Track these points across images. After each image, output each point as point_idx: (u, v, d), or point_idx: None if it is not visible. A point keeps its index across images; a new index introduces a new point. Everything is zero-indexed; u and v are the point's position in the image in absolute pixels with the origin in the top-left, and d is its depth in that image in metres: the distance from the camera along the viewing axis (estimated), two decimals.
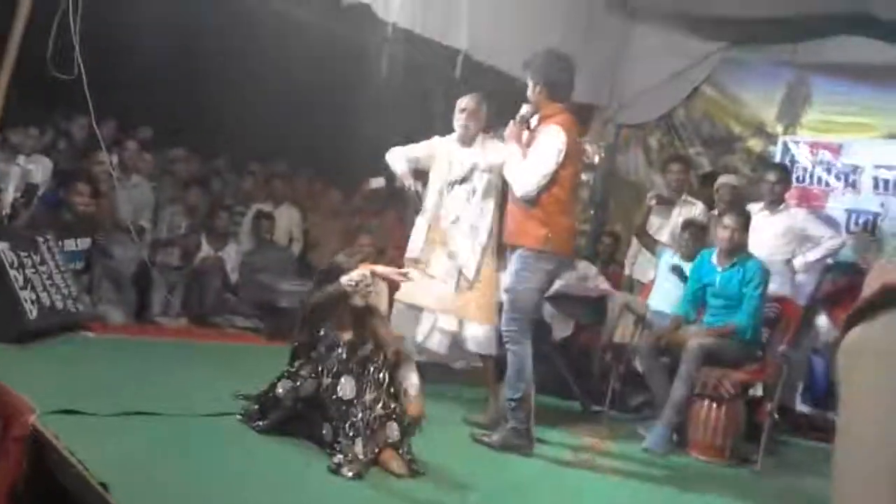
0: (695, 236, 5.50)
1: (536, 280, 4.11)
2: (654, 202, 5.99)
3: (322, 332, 3.54)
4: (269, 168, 8.19)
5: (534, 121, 4.24)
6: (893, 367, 0.44)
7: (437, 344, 4.70)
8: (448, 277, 4.67)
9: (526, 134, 4.22)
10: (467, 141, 4.80)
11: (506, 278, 4.20)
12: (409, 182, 4.77)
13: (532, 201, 4.05)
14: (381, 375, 3.46)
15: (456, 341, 4.72)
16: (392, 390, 3.47)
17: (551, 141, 4.06)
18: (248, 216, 7.31)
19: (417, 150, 4.91)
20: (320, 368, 3.41)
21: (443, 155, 4.84)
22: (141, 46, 7.05)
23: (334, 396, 3.33)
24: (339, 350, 3.42)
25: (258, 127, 8.07)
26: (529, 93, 4.23)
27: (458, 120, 4.81)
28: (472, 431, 4.20)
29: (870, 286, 0.47)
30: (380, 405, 3.41)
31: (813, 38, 6.84)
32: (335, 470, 3.14)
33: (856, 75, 6.72)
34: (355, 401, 3.33)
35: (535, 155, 4.07)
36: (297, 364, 3.52)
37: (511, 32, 6.37)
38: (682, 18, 7.35)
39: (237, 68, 7.84)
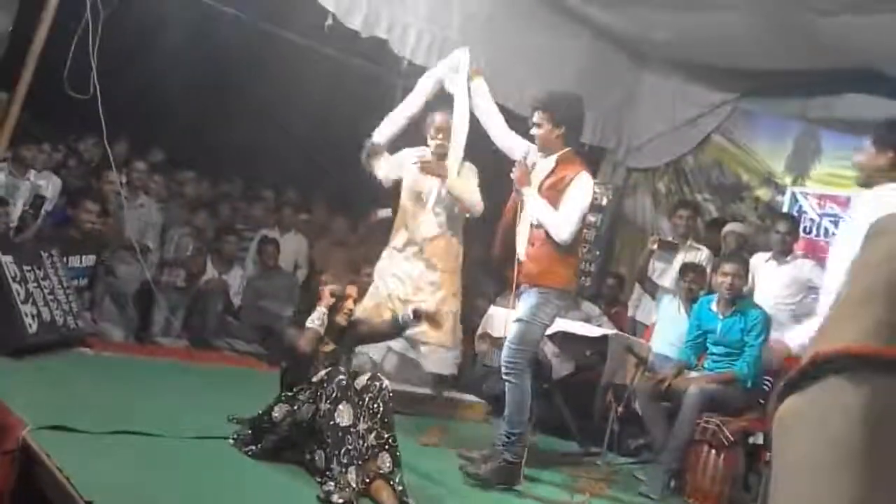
0: (694, 281, 5.49)
1: (550, 316, 4.16)
2: (655, 246, 5.98)
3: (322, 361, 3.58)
4: (281, 196, 8.23)
5: (547, 162, 4.22)
6: (821, 442, 0.43)
7: (392, 364, 4.87)
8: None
9: (539, 177, 4.22)
10: (442, 157, 4.98)
11: (520, 308, 4.16)
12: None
13: (565, 245, 4.11)
14: (376, 405, 3.43)
15: (409, 362, 4.88)
16: (386, 420, 3.45)
17: (585, 189, 4.14)
18: (254, 242, 7.33)
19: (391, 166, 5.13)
20: (319, 393, 3.39)
21: (411, 173, 5.10)
22: (158, 71, 7.13)
23: (332, 423, 3.30)
24: (342, 377, 3.40)
25: (270, 154, 8.13)
26: (541, 132, 4.20)
27: (434, 139, 4.99)
28: (462, 463, 4.14)
29: (807, 352, 0.46)
30: (373, 435, 3.38)
31: (823, 94, 6.88)
32: (325, 498, 3.10)
33: (865, 131, 6.72)
34: (351, 428, 3.30)
35: (572, 203, 4.10)
36: (295, 389, 3.50)
37: (524, 74, 6.43)
38: (695, 68, 7.41)
39: (252, 96, 7.92)
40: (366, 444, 3.34)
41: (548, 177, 4.18)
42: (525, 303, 4.15)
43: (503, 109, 6.20)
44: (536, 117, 4.22)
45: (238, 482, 3.24)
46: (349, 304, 3.80)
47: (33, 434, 3.05)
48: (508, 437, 4.04)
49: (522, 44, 6.40)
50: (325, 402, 3.35)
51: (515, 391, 4.07)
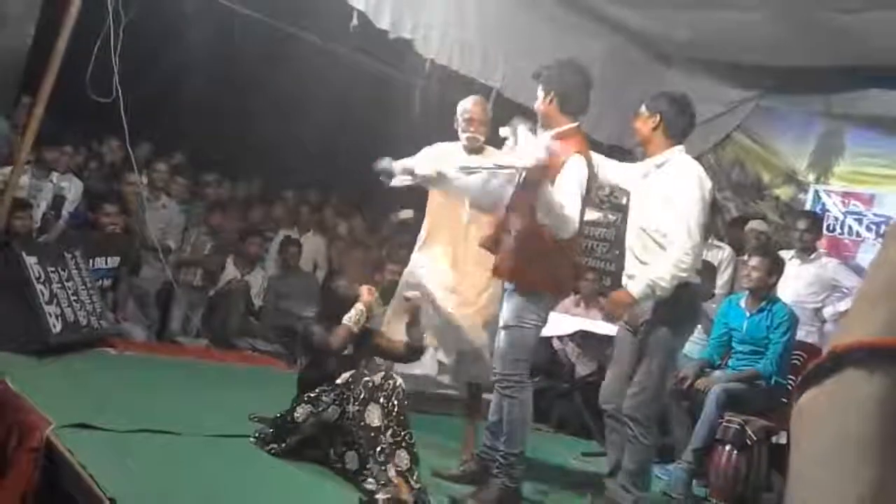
0: (706, 277, 5.44)
1: (542, 318, 3.61)
2: None
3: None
4: (302, 196, 8.27)
5: (544, 136, 3.59)
6: (838, 434, 0.43)
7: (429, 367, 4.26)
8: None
9: (538, 152, 3.46)
10: (476, 152, 4.28)
11: (505, 314, 3.63)
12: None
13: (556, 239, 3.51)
14: (391, 404, 3.44)
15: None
16: (402, 418, 3.45)
17: (574, 175, 3.51)
18: (275, 242, 7.37)
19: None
20: (345, 395, 3.40)
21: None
22: (180, 74, 7.21)
23: (362, 423, 3.31)
24: (367, 378, 3.42)
25: (290, 155, 8.17)
26: (538, 104, 3.71)
27: (465, 130, 4.27)
28: (450, 489, 3.67)
29: (827, 346, 0.46)
30: (389, 432, 3.39)
31: (847, 91, 6.81)
32: (368, 499, 3.12)
33: (888, 128, 6.67)
34: (382, 428, 3.33)
35: (563, 192, 3.46)
36: (318, 390, 3.51)
37: None
38: (716, 66, 7.35)
39: (272, 97, 7.97)
40: (395, 440, 3.37)
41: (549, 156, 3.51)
42: (509, 304, 3.63)
43: (525, 111, 6.20)
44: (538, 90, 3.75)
45: (260, 480, 3.26)
46: (358, 307, 3.71)
47: (57, 432, 3.09)
48: (506, 459, 3.56)
49: (543, 44, 6.37)
50: (353, 404, 3.35)
51: (515, 407, 3.55)
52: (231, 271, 6.71)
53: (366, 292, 3.79)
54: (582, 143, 3.65)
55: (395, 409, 3.42)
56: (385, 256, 7.00)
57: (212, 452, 3.40)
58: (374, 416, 3.32)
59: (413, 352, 3.88)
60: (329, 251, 7.69)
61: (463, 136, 4.31)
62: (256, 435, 3.60)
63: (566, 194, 3.47)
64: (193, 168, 7.73)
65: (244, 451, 3.49)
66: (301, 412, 3.48)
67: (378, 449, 3.27)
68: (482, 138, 4.29)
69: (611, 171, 4.05)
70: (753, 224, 6.31)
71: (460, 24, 5.97)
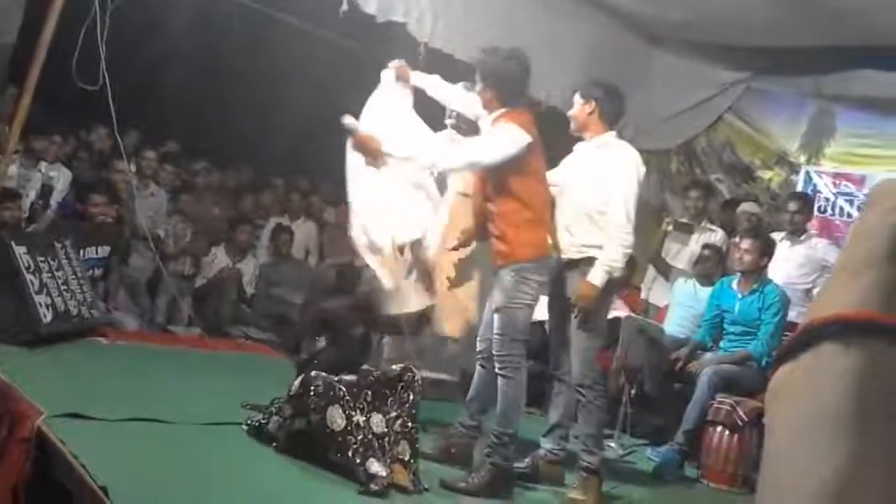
0: (713, 260, 5.45)
1: (532, 295, 3.66)
2: (670, 227, 5.95)
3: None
4: (292, 183, 8.25)
5: (484, 124, 3.86)
6: (812, 406, 0.43)
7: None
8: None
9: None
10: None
11: (496, 296, 3.70)
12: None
13: (522, 200, 3.65)
14: (406, 394, 3.44)
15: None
16: (414, 411, 3.45)
17: (510, 131, 3.63)
18: (266, 229, 7.35)
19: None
20: (301, 406, 3.35)
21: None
22: (168, 61, 7.15)
23: (327, 431, 3.26)
24: (318, 382, 3.32)
25: (279, 142, 8.13)
26: (475, 94, 3.89)
27: (451, 116, 4.49)
28: (440, 475, 3.59)
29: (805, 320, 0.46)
30: (399, 422, 3.40)
31: (837, 71, 6.80)
32: (365, 483, 3.13)
33: (880, 109, 6.66)
34: (348, 426, 3.26)
35: (492, 138, 3.69)
36: (279, 401, 3.49)
37: (537, 57, 6.37)
38: (708, 47, 7.33)
39: (261, 84, 7.92)
40: (392, 430, 3.35)
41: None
42: (500, 287, 3.67)
43: None
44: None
45: (253, 468, 3.26)
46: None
47: (48, 422, 3.08)
48: (499, 439, 3.60)
49: (536, 26, 6.34)
50: (313, 413, 3.29)
51: (510, 386, 3.61)
52: (222, 259, 6.70)
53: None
54: (527, 120, 3.73)
55: (409, 401, 3.43)
56: None
57: (204, 441, 3.39)
58: (336, 419, 3.26)
59: (421, 322, 3.93)
60: (321, 238, 7.68)
61: (448, 121, 4.48)
62: (248, 422, 3.60)
63: (496, 140, 3.66)
64: (182, 156, 7.70)
65: (237, 438, 3.49)
66: (272, 425, 3.47)
67: (350, 451, 3.20)
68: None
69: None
70: (745, 206, 6.32)
71: (453, 6, 5.92)
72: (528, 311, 3.67)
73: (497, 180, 3.69)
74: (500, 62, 3.77)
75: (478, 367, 3.96)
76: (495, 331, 3.66)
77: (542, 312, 4.08)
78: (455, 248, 4.29)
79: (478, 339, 3.98)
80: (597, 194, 3.79)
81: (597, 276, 3.70)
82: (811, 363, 0.42)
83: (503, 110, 3.73)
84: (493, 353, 3.68)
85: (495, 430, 3.63)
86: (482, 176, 3.81)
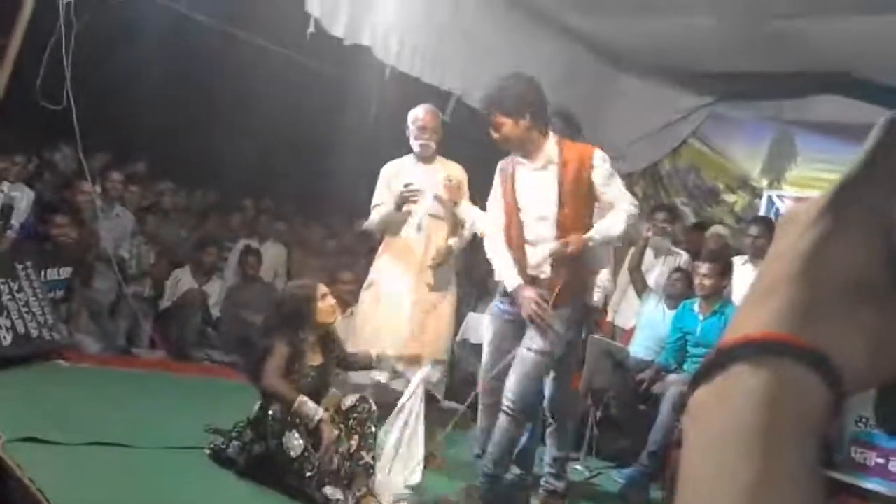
0: (682, 283, 5.50)
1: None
2: (650, 233, 5.92)
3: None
4: (259, 204, 8.22)
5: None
6: (723, 427, 0.44)
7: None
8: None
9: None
10: (428, 160, 4.46)
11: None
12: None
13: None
14: (366, 428, 3.45)
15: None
16: (371, 441, 3.46)
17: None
18: (234, 251, 7.30)
19: (381, 196, 4.51)
20: (260, 432, 3.36)
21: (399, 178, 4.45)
22: (135, 81, 7.11)
23: (284, 458, 3.27)
24: (273, 409, 3.35)
25: (247, 163, 8.11)
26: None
27: (418, 137, 4.40)
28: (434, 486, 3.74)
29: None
30: (366, 453, 3.41)
31: (798, 97, 6.95)
32: None
33: (839, 133, 6.80)
34: (305, 453, 3.26)
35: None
36: (241, 425, 3.48)
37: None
38: (671, 73, 7.46)
39: (229, 105, 7.90)
40: (361, 463, 3.36)
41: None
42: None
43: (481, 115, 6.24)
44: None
45: (213, 492, 3.22)
46: (328, 301, 3.67)
47: (6, 447, 3.02)
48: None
49: (499, 49, 6.41)
50: (271, 438, 3.31)
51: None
52: (187, 281, 6.63)
53: (324, 292, 3.70)
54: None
55: (372, 432, 3.44)
56: (343, 265, 6.98)
57: (166, 465, 3.36)
58: (293, 445, 3.26)
59: (377, 360, 3.90)
60: (289, 260, 7.64)
61: (415, 143, 4.42)
62: (211, 447, 3.56)
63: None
64: (149, 177, 7.64)
65: (199, 463, 3.45)
66: (232, 450, 3.46)
67: (307, 477, 3.22)
68: (434, 146, 4.42)
69: None
70: (715, 229, 6.39)
71: (419, 30, 5.97)
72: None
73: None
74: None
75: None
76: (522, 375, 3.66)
77: None
78: (431, 267, 4.33)
79: None
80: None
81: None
82: (723, 384, 0.44)
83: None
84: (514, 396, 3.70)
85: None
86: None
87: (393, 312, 4.35)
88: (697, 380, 0.46)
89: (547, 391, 3.85)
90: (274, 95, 7.32)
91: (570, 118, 4.10)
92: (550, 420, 3.84)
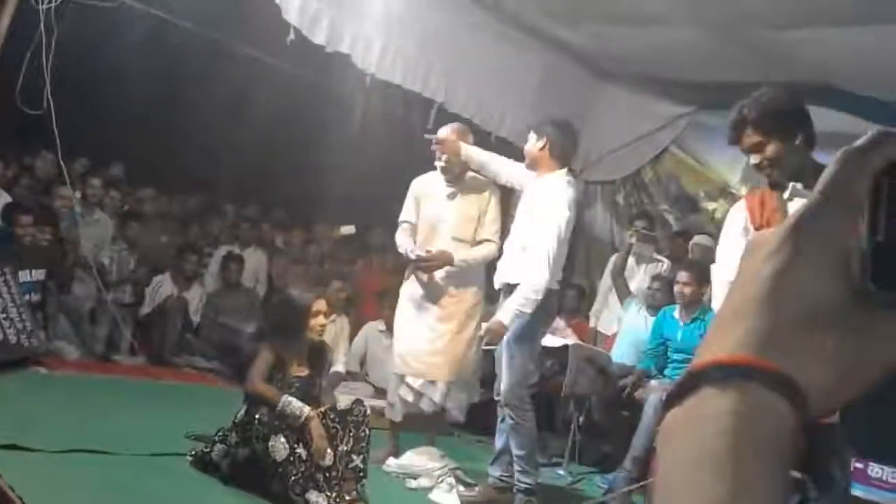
0: (663, 290, 5.53)
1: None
2: (634, 239, 5.96)
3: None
4: (241, 211, 8.18)
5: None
6: (692, 449, 0.45)
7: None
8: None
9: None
10: (455, 180, 4.43)
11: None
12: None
13: None
14: (361, 431, 3.45)
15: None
16: (363, 445, 3.46)
17: None
18: (216, 258, 7.26)
19: (409, 213, 4.54)
20: (246, 435, 3.35)
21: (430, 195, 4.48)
22: (115, 86, 7.06)
23: (270, 460, 3.26)
24: (261, 413, 3.34)
25: (228, 170, 8.08)
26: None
27: (439, 159, 4.40)
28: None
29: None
30: (358, 458, 3.42)
31: None
32: None
33: (819, 144, 6.86)
34: (291, 457, 3.25)
35: None
36: (224, 429, 3.47)
37: (483, 88, 6.48)
38: (652, 81, 7.51)
39: (210, 111, 7.87)
40: (351, 466, 3.36)
41: None
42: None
43: (463, 122, 6.26)
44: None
45: (195, 498, 3.20)
46: (320, 319, 3.70)
47: None
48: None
49: (482, 58, 6.44)
50: (258, 441, 3.31)
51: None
52: (168, 287, 6.58)
53: (320, 304, 3.73)
54: None
55: (364, 436, 3.45)
56: (326, 273, 6.98)
57: (147, 472, 3.33)
58: (279, 449, 3.26)
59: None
60: (270, 267, 7.61)
61: (437, 162, 4.44)
62: (193, 453, 3.54)
63: None
64: (129, 183, 7.58)
65: (181, 469, 3.42)
66: (216, 453, 3.43)
67: (291, 481, 3.21)
68: (453, 166, 4.39)
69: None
70: (698, 239, 6.41)
71: (401, 38, 5.97)
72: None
73: None
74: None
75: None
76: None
77: None
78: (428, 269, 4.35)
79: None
80: (528, 229, 3.96)
81: (506, 315, 3.85)
82: (693, 406, 0.45)
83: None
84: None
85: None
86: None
87: (417, 335, 4.35)
88: (670, 401, 0.46)
89: (502, 387, 3.95)
90: (257, 102, 7.30)
91: (567, 128, 4.16)
92: (509, 418, 3.91)
